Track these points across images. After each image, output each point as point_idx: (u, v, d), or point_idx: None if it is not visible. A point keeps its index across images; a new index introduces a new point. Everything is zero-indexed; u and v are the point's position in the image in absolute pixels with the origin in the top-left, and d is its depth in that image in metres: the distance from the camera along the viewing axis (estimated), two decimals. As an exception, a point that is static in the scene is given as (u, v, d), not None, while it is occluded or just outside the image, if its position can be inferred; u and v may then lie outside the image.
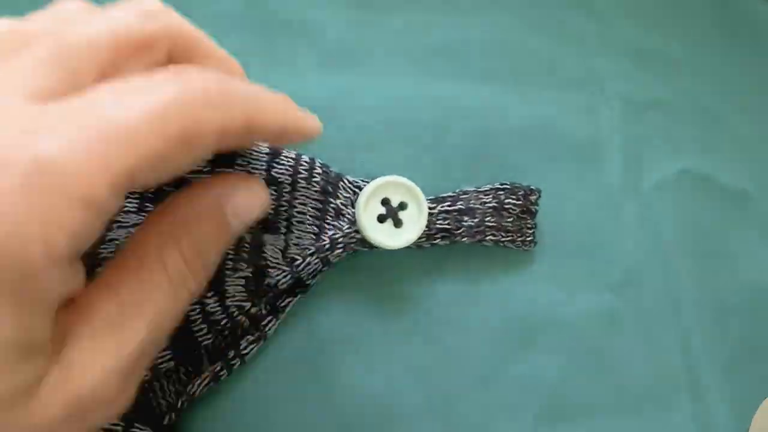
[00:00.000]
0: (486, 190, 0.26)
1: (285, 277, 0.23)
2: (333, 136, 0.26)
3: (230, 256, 0.23)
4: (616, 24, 0.31)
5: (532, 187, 0.27)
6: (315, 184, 0.23)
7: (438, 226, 0.24)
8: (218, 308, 0.22)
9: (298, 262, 0.23)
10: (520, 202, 0.26)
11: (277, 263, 0.23)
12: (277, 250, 0.23)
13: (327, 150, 0.25)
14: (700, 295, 0.28)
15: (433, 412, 0.25)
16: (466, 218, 0.25)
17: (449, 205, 0.25)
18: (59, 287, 0.13)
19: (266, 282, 0.23)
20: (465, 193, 0.25)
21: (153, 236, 0.16)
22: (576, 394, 0.26)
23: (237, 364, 0.23)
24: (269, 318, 0.23)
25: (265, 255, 0.23)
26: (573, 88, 0.30)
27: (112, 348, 0.14)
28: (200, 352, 0.23)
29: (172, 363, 0.23)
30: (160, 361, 0.23)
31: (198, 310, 0.22)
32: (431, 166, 0.27)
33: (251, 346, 0.23)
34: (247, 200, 0.18)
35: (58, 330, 0.14)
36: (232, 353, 0.23)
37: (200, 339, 0.23)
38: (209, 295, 0.22)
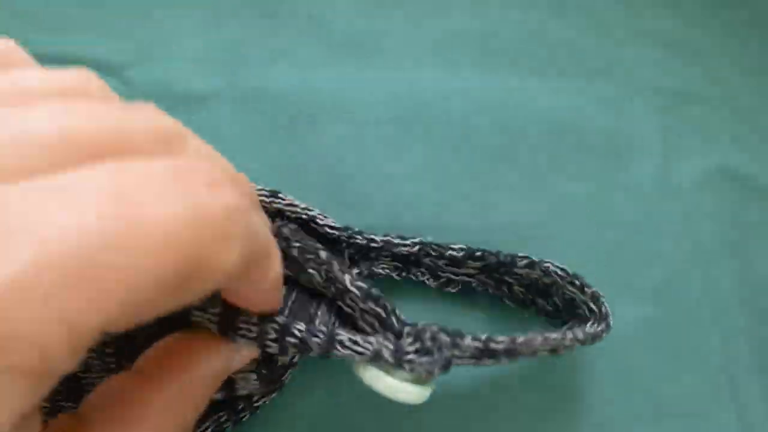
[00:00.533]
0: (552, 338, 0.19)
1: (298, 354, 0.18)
2: (343, 132, 0.22)
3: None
4: (644, 12, 0.29)
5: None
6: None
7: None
8: (225, 397, 0.18)
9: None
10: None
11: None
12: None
13: (337, 148, 0.22)
14: (741, 297, 0.26)
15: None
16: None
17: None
18: None
19: (279, 363, 0.18)
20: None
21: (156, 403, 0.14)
22: (619, 410, 0.24)
23: (246, 417, 0.19)
24: (284, 370, 0.19)
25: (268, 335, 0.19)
26: (602, 78, 0.27)
27: None
28: None
29: None
30: None
31: None
32: (452, 166, 0.23)
33: (264, 399, 0.19)
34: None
35: None
36: (241, 404, 0.19)
37: None
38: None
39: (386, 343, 0.16)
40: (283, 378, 0.19)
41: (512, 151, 0.24)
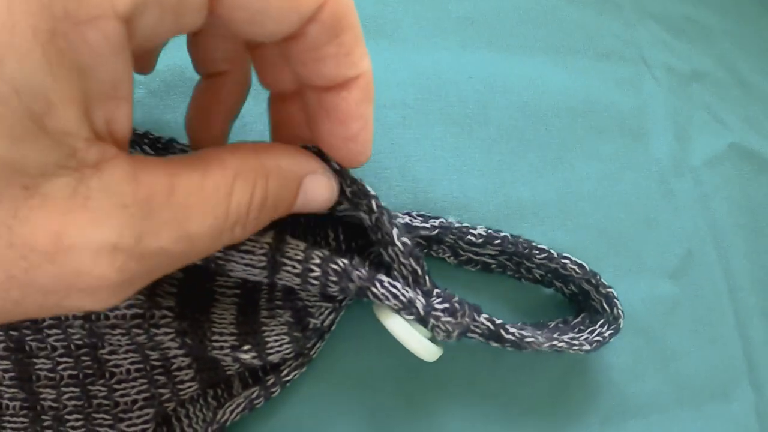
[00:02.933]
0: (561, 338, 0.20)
1: (330, 314, 0.19)
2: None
3: (263, 303, 0.19)
4: (652, -10, 0.29)
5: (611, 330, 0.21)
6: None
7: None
8: (256, 361, 0.19)
9: (340, 297, 0.19)
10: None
11: (316, 301, 0.19)
12: None
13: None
14: (756, 275, 0.27)
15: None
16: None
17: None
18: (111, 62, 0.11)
19: (311, 326, 0.19)
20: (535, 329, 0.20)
21: (234, 159, 0.14)
22: (638, 389, 0.24)
23: (277, 392, 0.20)
24: (314, 341, 0.20)
25: (300, 295, 0.19)
26: (614, 59, 0.27)
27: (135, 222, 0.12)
28: (230, 375, 0.20)
29: (196, 385, 0.20)
30: (182, 387, 0.20)
31: (231, 361, 0.19)
32: (472, 146, 0.24)
33: (294, 372, 0.20)
34: (321, 187, 0.16)
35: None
36: (271, 379, 0.19)
37: (228, 371, 0.20)
38: (245, 348, 0.19)
39: (419, 296, 0.17)
40: (311, 351, 0.20)
41: (528, 131, 0.24)
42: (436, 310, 0.17)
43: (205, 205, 0.13)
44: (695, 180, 0.27)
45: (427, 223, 0.21)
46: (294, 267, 0.17)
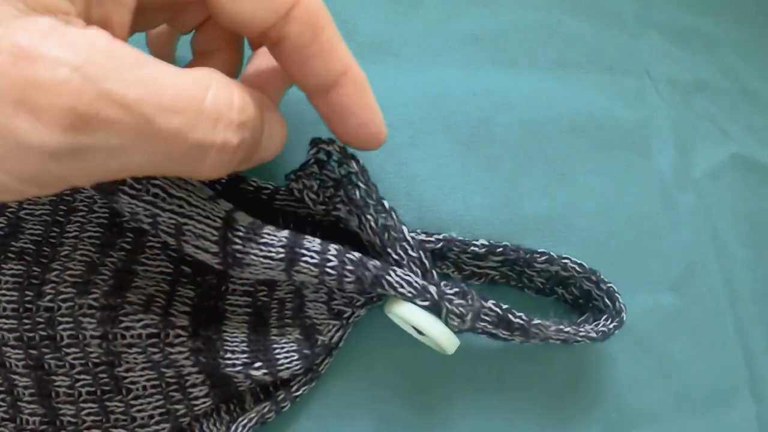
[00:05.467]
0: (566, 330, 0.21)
1: (338, 331, 0.20)
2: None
3: (273, 321, 0.20)
4: (656, 4, 0.29)
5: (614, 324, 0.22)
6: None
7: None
8: (267, 377, 0.19)
9: (347, 314, 0.20)
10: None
11: (324, 319, 0.20)
12: (320, 305, 0.20)
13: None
14: (757, 286, 0.27)
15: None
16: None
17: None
18: None
19: (319, 342, 0.20)
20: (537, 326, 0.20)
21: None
22: (639, 399, 0.25)
23: (287, 407, 0.20)
24: (323, 357, 0.20)
25: (308, 313, 0.20)
26: (617, 72, 0.28)
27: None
28: (242, 391, 0.21)
29: (210, 401, 0.20)
30: (197, 403, 0.20)
31: (244, 378, 0.20)
32: (477, 164, 0.24)
33: (303, 387, 0.20)
34: (278, 123, 0.17)
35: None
36: (281, 395, 0.20)
37: (240, 387, 0.20)
38: (256, 366, 0.19)
39: (431, 283, 0.18)
40: (320, 367, 0.21)
41: (532, 148, 0.25)
42: (447, 294, 0.18)
43: (179, 86, 0.13)
44: (697, 192, 0.27)
45: (431, 237, 0.22)
46: (312, 257, 0.17)
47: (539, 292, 0.24)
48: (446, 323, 0.19)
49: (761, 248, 0.27)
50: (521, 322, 0.20)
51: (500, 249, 0.22)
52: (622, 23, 0.29)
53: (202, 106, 0.14)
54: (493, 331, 0.20)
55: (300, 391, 0.20)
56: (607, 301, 0.22)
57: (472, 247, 0.22)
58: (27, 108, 0.12)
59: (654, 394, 0.25)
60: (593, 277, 0.22)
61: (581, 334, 0.21)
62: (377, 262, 0.18)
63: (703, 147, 0.28)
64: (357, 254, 0.18)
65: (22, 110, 0.12)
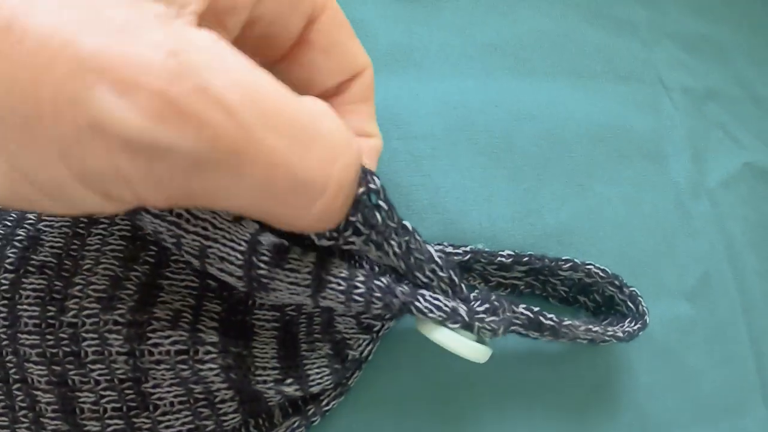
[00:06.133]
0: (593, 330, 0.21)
1: (368, 345, 0.20)
2: (397, 146, 0.23)
3: (302, 336, 0.20)
4: (670, 13, 0.30)
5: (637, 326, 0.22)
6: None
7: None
8: (299, 393, 0.19)
9: (376, 327, 0.20)
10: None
11: (354, 333, 0.20)
12: (349, 319, 0.20)
13: (392, 161, 0.22)
14: (767, 294, 0.27)
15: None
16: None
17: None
18: None
19: (350, 357, 0.20)
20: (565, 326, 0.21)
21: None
22: (657, 407, 0.25)
23: (317, 421, 0.20)
24: (353, 370, 0.20)
25: (337, 328, 0.20)
26: (632, 81, 0.28)
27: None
28: (271, 406, 0.21)
29: (239, 417, 0.20)
30: (226, 419, 0.20)
31: (274, 394, 0.20)
32: (499, 175, 0.24)
33: (333, 402, 0.20)
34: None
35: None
36: (311, 409, 0.20)
37: (270, 402, 0.20)
38: (288, 382, 0.19)
39: (461, 304, 0.18)
40: (349, 380, 0.21)
41: (552, 158, 0.25)
42: (478, 313, 0.18)
43: (291, 104, 0.12)
44: (711, 201, 0.27)
45: (458, 249, 0.22)
46: (339, 284, 0.17)
47: (563, 301, 0.24)
48: (478, 338, 0.19)
49: (772, 256, 0.28)
50: (552, 323, 0.20)
51: (526, 259, 0.22)
52: (635, 31, 0.29)
53: (319, 133, 0.11)
54: (523, 332, 0.20)
55: (330, 405, 0.20)
56: (630, 304, 0.23)
57: (498, 258, 0.22)
58: (111, 79, 0.10)
59: (671, 402, 0.25)
60: (616, 282, 0.23)
61: (609, 333, 0.21)
62: (405, 288, 0.18)
63: (716, 156, 0.28)
64: (385, 280, 0.17)
65: (104, 81, 0.10)
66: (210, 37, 0.11)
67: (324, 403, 0.20)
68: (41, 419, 0.20)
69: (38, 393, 0.20)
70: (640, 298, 0.23)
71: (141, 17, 0.11)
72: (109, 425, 0.20)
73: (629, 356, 0.25)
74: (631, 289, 0.23)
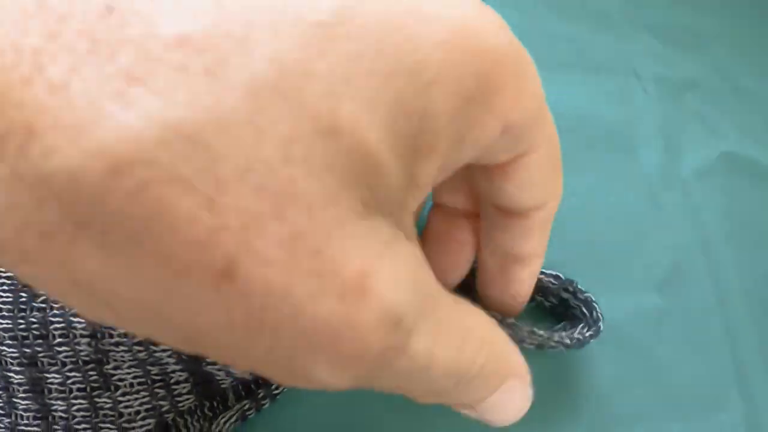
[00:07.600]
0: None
1: None
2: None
3: None
4: (642, 2, 0.29)
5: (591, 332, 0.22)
6: None
7: None
8: (247, 376, 0.20)
9: None
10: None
11: None
12: None
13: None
14: (747, 287, 0.27)
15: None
16: None
17: None
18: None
19: None
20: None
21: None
22: (624, 401, 0.25)
23: (267, 404, 0.21)
24: None
25: None
26: (603, 72, 0.28)
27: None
28: (224, 389, 0.21)
29: (193, 398, 0.21)
30: (180, 399, 0.21)
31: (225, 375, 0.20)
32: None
33: (283, 387, 0.21)
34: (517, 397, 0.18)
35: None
36: (261, 393, 0.21)
37: (223, 384, 0.21)
38: None
39: None
40: None
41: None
42: None
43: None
44: (684, 192, 0.27)
45: None
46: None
47: None
48: None
49: (748, 247, 0.27)
50: (494, 317, 0.20)
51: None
52: (610, 23, 0.29)
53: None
54: None
55: (280, 390, 0.21)
56: (584, 310, 0.23)
57: None
58: (330, 356, 0.09)
59: (639, 394, 0.25)
60: (570, 288, 0.23)
61: (555, 339, 0.21)
62: None
63: (692, 146, 0.28)
64: None
65: (324, 357, 0.10)
66: (424, 271, 0.11)
67: (274, 387, 0.21)
68: (14, 399, 0.21)
69: (11, 374, 0.21)
70: (595, 304, 0.23)
71: (370, 257, 0.09)
72: (74, 404, 0.21)
73: (592, 348, 0.24)
74: (586, 294, 0.23)
